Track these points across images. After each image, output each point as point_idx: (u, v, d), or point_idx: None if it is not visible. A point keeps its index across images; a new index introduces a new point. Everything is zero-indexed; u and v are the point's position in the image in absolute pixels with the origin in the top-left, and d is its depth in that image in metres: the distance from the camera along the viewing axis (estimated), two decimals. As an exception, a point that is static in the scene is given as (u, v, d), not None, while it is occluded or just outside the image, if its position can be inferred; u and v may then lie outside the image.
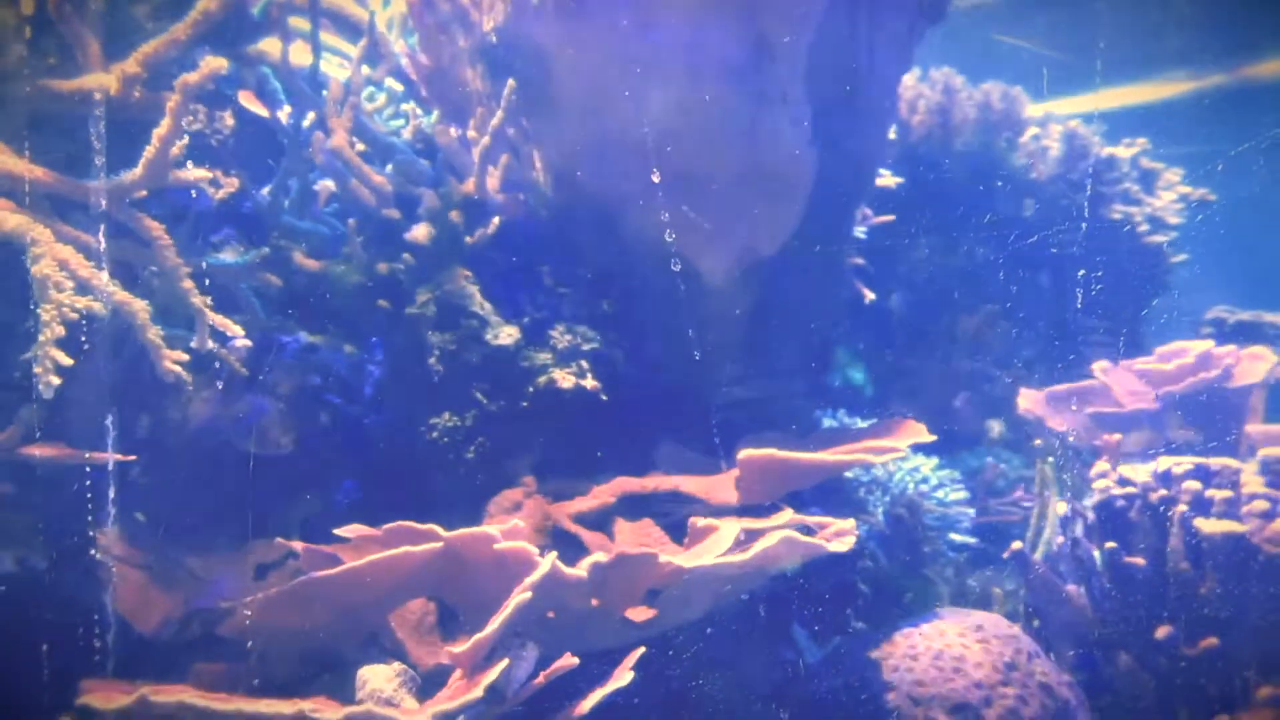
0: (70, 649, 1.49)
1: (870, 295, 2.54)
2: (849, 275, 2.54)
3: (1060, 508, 1.65)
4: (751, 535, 1.35)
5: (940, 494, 2.47)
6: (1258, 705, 1.33)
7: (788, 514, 1.38)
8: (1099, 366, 2.77)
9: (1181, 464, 1.46)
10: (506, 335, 1.75)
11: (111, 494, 1.63)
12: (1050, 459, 1.88)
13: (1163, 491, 1.44)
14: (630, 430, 1.89)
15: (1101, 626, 1.51)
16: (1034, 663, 1.51)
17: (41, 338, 1.19)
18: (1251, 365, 2.61)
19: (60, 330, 1.18)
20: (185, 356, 1.39)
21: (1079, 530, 1.50)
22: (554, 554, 1.18)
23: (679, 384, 2.00)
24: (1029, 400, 2.86)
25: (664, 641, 1.66)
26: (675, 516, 1.71)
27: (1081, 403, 2.70)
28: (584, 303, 1.89)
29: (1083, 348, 3.24)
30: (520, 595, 1.12)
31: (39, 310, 1.21)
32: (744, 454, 1.51)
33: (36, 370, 1.17)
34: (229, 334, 1.53)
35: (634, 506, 1.73)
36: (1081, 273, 3.47)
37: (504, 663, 1.09)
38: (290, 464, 1.81)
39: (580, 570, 1.21)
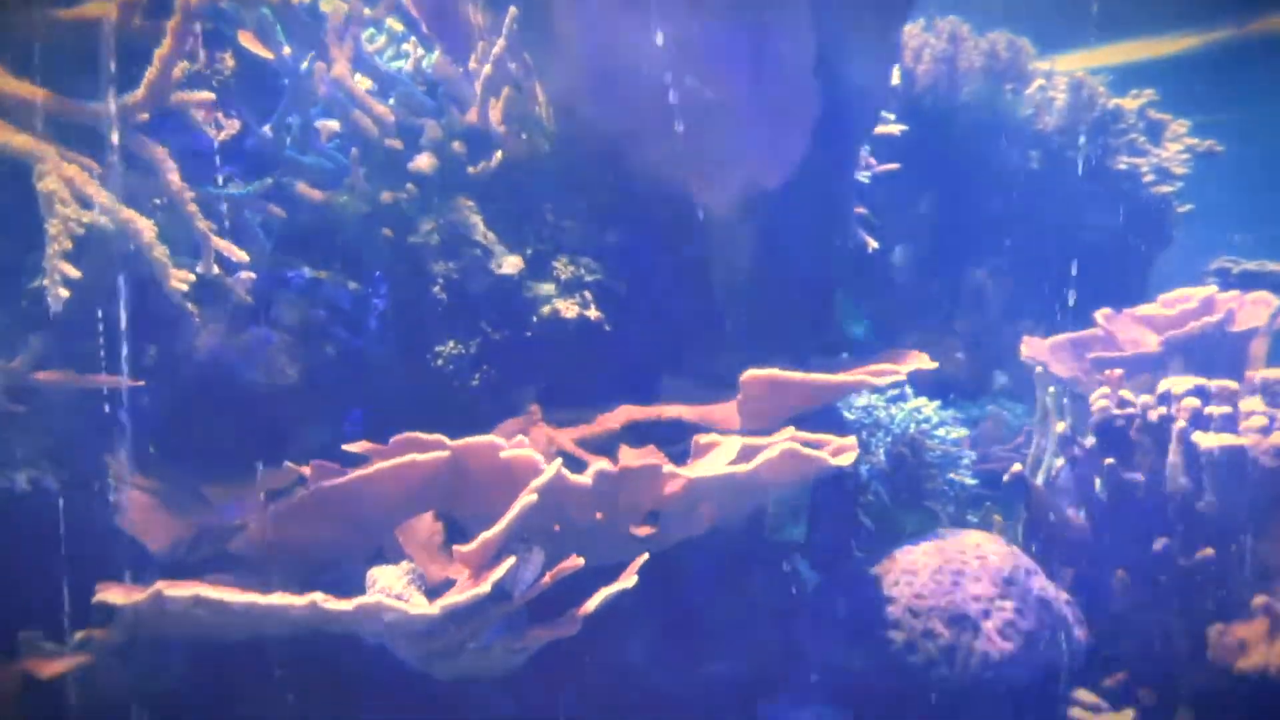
0: (83, 569, 1.51)
1: (874, 244, 2.54)
2: (852, 220, 2.53)
3: (1060, 427, 1.67)
4: (754, 451, 1.37)
5: (941, 432, 2.48)
6: (1252, 614, 1.35)
7: (790, 431, 1.39)
8: (1102, 314, 2.77)
9: (1181, 384, 1.46)
10: (510, 265, 1.76)
11: (121, 419, 1.65)
12: (1052, 388, 1.89)
13: (1162, 410, 1.45)
14: (634, 363, 1.90)
15: (1099, 545, 1.52)
16: (1032, 579, 1.53)
17: (49, 251, 1.20)
18: (1254, 310, 2.61)
19: (67, 244, 1.19)
20: (191, 276, 1.39)
21: (1078, 450, 1.51)
22: (560, 460, 1.20)
23: (683, 318, 2.00)
24: (1032, 348, 2.86)
25: (667, 559, 1.69)
26: (680, 446, 1.73)
27: (1084, 350, 2.70)
28: (587, 236, 1.89)
29: (1088, 297, 3.24)
30: (526, 498, 1.13)
31: (46, 225, 1.22)
32: (747, 374, 1.52)
33: (45, 283, 1.18)
34: (233, 259, 1.54)
35: (638, 434, 1.75)
36: (1087, 224, 3.46)
37: (510, 560, 1.11)
38: (297, 395, 1.82)
39: (585, 478, 1.22)
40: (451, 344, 1.74)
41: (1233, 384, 1.52)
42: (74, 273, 1.21)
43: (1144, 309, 2.75)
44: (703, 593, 1.73)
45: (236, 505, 1.67)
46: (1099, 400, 1.51)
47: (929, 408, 2.52)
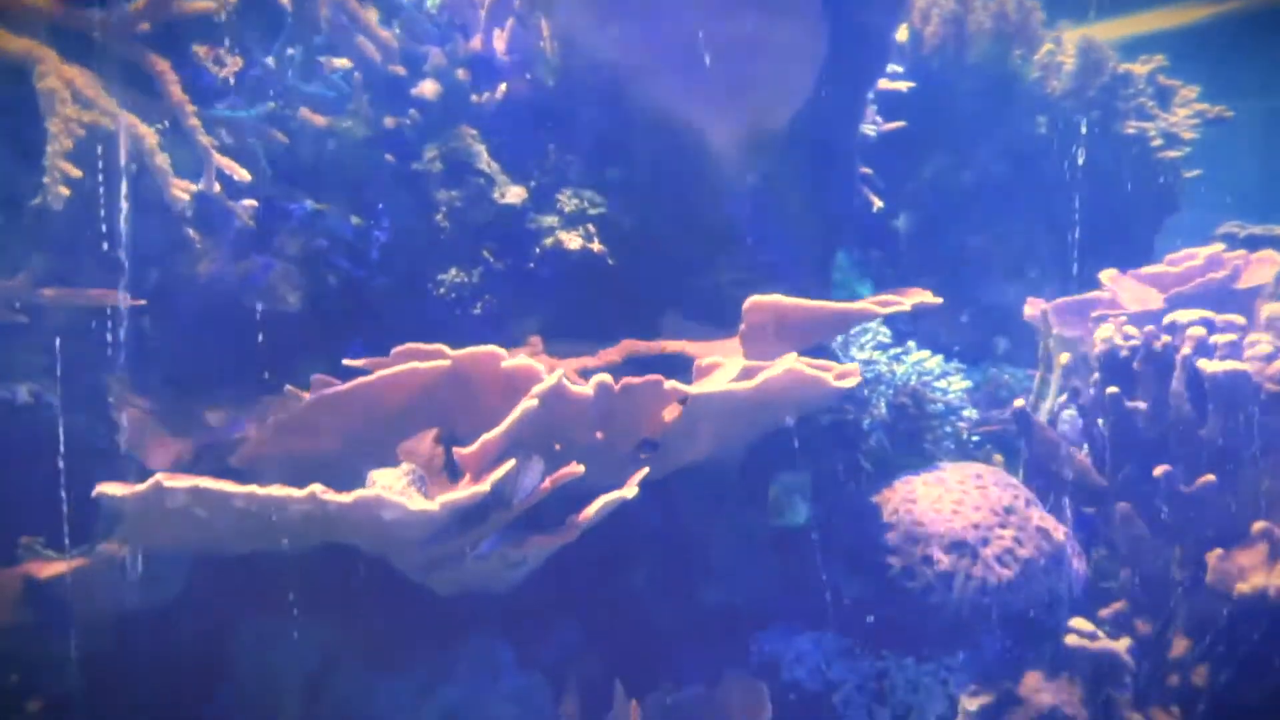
0: (82, 485, 1.51)
1: (879, 203, 2.52)
2: (857, 176, 2.51)
3: (1063, 358, 1.66)
4: (756, 371, 1.36)
5: (943, 384, 2.47)
6: (1251, 540, 1.35)
7: (792, 357, 1.38)
8: (1107, 274, 2.76)
9: (1187, 315, 1.46)
10: (514, 195, 1.75)
11: (123, 341, 1.64)
12: (1055, 333, 1.88)
13: (1166, 339, 1.44)
14: (636, 299, 1.89)
15: (1100, 478, 1.52)
16: (1031, 509, 1.53)
17: (50, 150, 1.19)
18: (1260, 268, 2.59)
19: (68, 143, 1.18)
20: (193, 187, 1.38)
21: (1079, 383, 1.51)
22: (561, 370, 1.19)
23: (686, 258, 1.99)
24: (1036, 308, 2.85)
25: (667, 491, 1.69)
26: (682, 379, 1.72)
27: (1089, 310, 2.69)
28: (590, 170, 1.88)
29: (1093, 264, 3.22)
30: (527, 402, 1.13)
31: (46, 124, 1.21)
32: (750, 301, 1.52)
33: (45, 181, 1.17)
34: (235, 177, 1.53)
35: (640, 367, 1.74)
36: (1093, 190, 3.43)
37: (510, 463, 1.11)
38: (299, 323, 1.81)
39: (587, 388, 1.22)
40: (454, 272, 1.73)
41: (1240, 318, 1.52)
42: (75, 171, 1.20)
43: (1149, 269, 2.74)
44: (700, 525, 1.74)
45: (236, 428, 1.67)
46: (1103, 333, 1.50)
47: (932, 361, 2.51)
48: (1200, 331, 1.43)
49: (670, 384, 1.27)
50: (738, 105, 1.87)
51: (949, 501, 1.50)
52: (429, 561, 1.23)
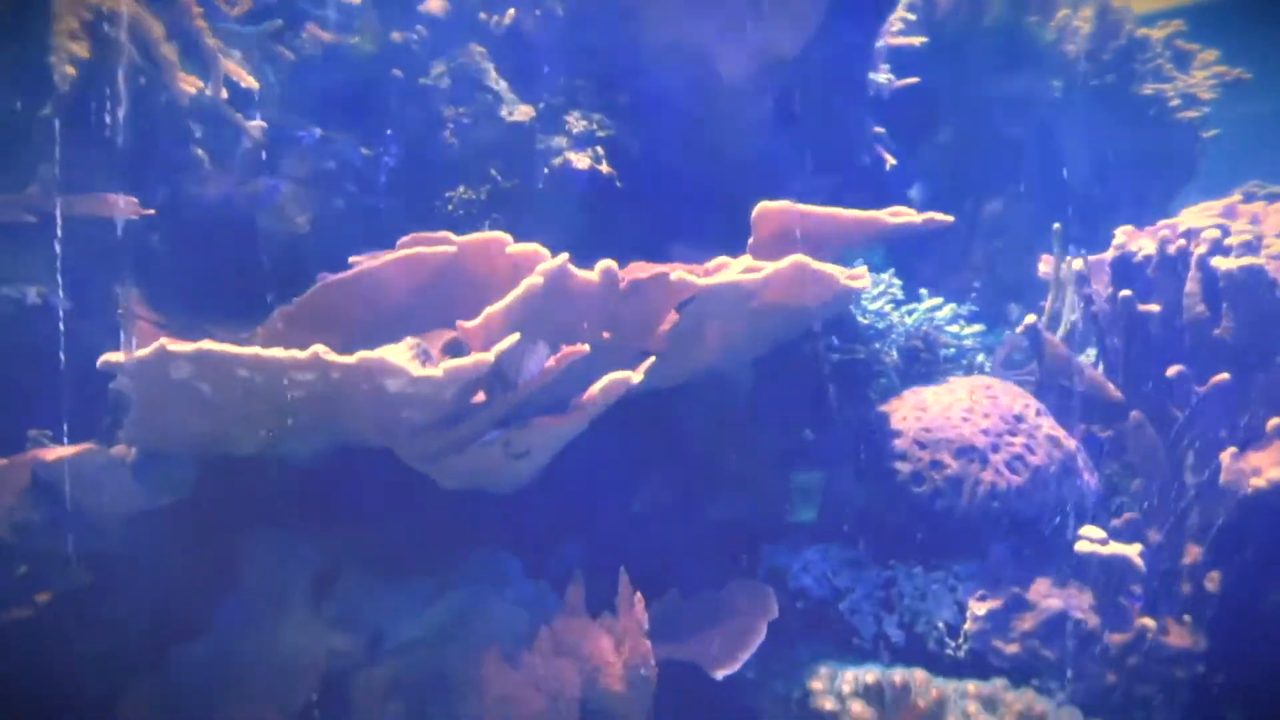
0: (88, 390, 1.52)
1: (891, 160, 2.50)
2: (869, 126, 2.49)
3: (1077, 264, 1.64)
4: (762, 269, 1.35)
5: (955, 329, 2.45)
6: (1267, 438, 1.33)
7: (799, 255, 1.37)
8: (1123, 230, 2.73)
9: (1202, 220, 1.44)
10: (521, 113, 1.74)
11: (132, 253, 1.65)
12: (1070, 259, 1.86)
13: (1181, 243, 1.42)
14: (644, 223, 1.88)
15: (1113, 391, 1.50)
16: (1042, 419, 1.51)
17: (57, 29, 1.19)
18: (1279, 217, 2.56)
19: (74, 23, 1.18)
20: (200, 83, 1.39)
21: (1090, 289, 1.49)
22: (566, 254, 1.19)
23: (695, 186, 1.98)
24: (1049, 265, 2.82)
25: (673, 405, 1.68)
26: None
27: (1103, 268, 2.65)
28: (599, 94, 1.87)
29: (1109, 228, 3.18)
30: (532, 279, 1.12)
31: (53, 3, 1.21)
32: (760, 207, 1.50)
33: (52, 60, 1.17)
34: (241, 84, 1.53)
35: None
36: (1110, 153, 3.40)
37: (515, 336, 1.10)
38: (307, 245, 1.82)
39: (593, 274, 1.21)
40: (462, 189, 1.73)
41: (1256, 228, 1.49)
42: (83, 51, 1.20)
43: (1165, 223, 2.71)
44: (706, 445, 1.73)
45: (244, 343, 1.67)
46: (1116, 239, 1.48)
47: (945, 309, 2.49)
48: (1215, 234, 1.41)
49: (677, 274, 1.26)
50: (748, 32, 1.86)
51: (959, 409, 1.49)
52: (433, 449, 1.23)
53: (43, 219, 1.58)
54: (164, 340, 1.05)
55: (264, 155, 1.77)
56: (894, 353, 2.39)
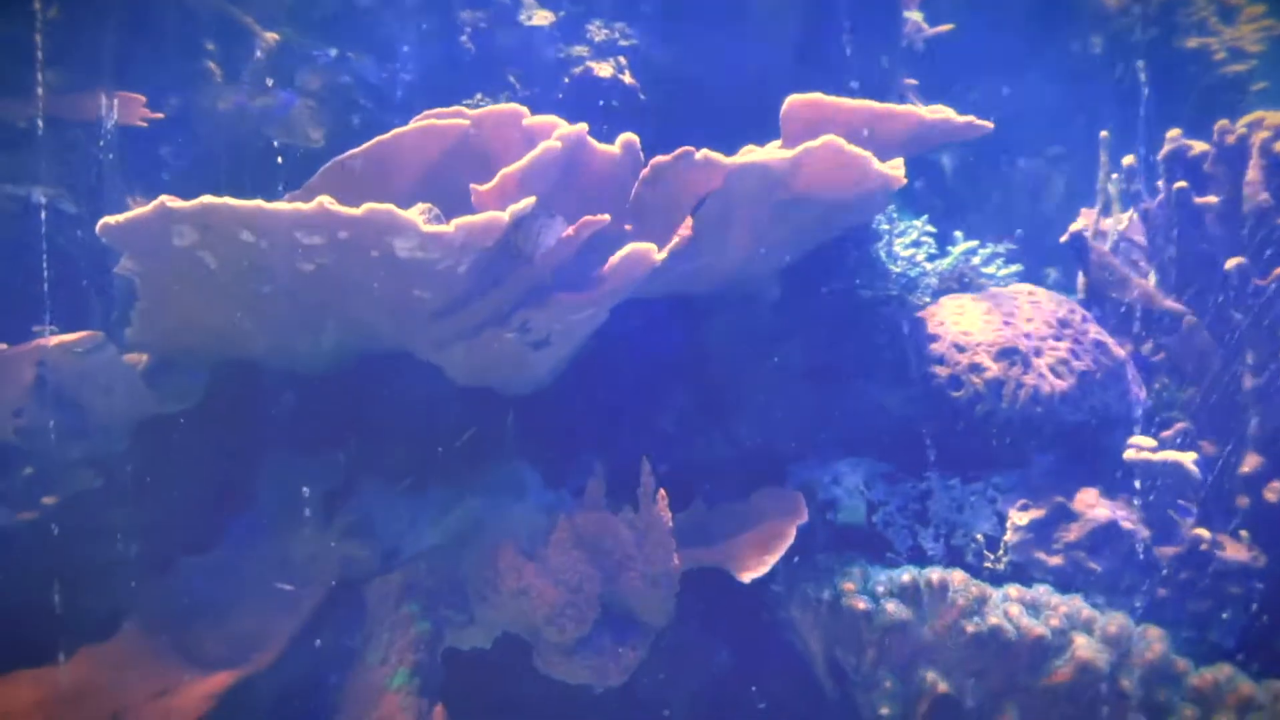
0: (98, 291, 1.49)
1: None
2: (900, 87, 2.41)
3: (1128, 160, 1.56)
4: (794, 155, 1.27)
5: (990, 269, 2.36)
6: (1333, 332, 1.24)
7: (832, 135, 1.29)
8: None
9: (1268, 115, 1.35)
10: (541, 17, 1.68)
11: (141, 160, 1.61)
12: (1116, 175, 1.77)
13: (1241, 131, 1.34)
14: (668, 139, 1.81)
15: (1165, 299, 1.42)
16: (1089, 324, 1.43)
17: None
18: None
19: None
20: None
21: (1140, 186, 1.40)
22: (585, 125, 1.12)
23: (723, 102, 1.91)
24: (1089, 218, 2.72)
25: (698, 319, 1.62)
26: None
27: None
28: (624, 3, 1.81)
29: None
30: (550, 142, 1.06)
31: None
32: (790, 101, 1.43)
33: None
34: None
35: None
36: (1150, 109, 3.28)
37: (531, 199, 1.04)
38: (322, 159, 1.76)
39: (614, 148, 1.15)
40: (479, 96, 1.67)
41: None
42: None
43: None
44: (733, 361, 1.66)
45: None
46: (1169, 136, 1.40)
47: (982, 251, 2.40)
48: (1277, 121, 1.32)
49: (703, 153, 1.19)
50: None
51: (999, 314, 1.41)
52: (448, 334, 1.17)
53: (50, 122, 1.54)
54: (164, 197, 1.00)
55: (277, 70, 1.73)
56: (927, 298, 2.31)
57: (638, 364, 1.63)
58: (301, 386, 1.52)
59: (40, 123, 1.49)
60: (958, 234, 2.45)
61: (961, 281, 2.26)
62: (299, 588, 1.38)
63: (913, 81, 2.48)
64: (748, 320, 1.65)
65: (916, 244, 2.26)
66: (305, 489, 1.50)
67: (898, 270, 2.30)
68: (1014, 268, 2.38)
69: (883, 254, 2.01)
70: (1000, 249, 2.42)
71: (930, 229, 2.32)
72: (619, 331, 1.43)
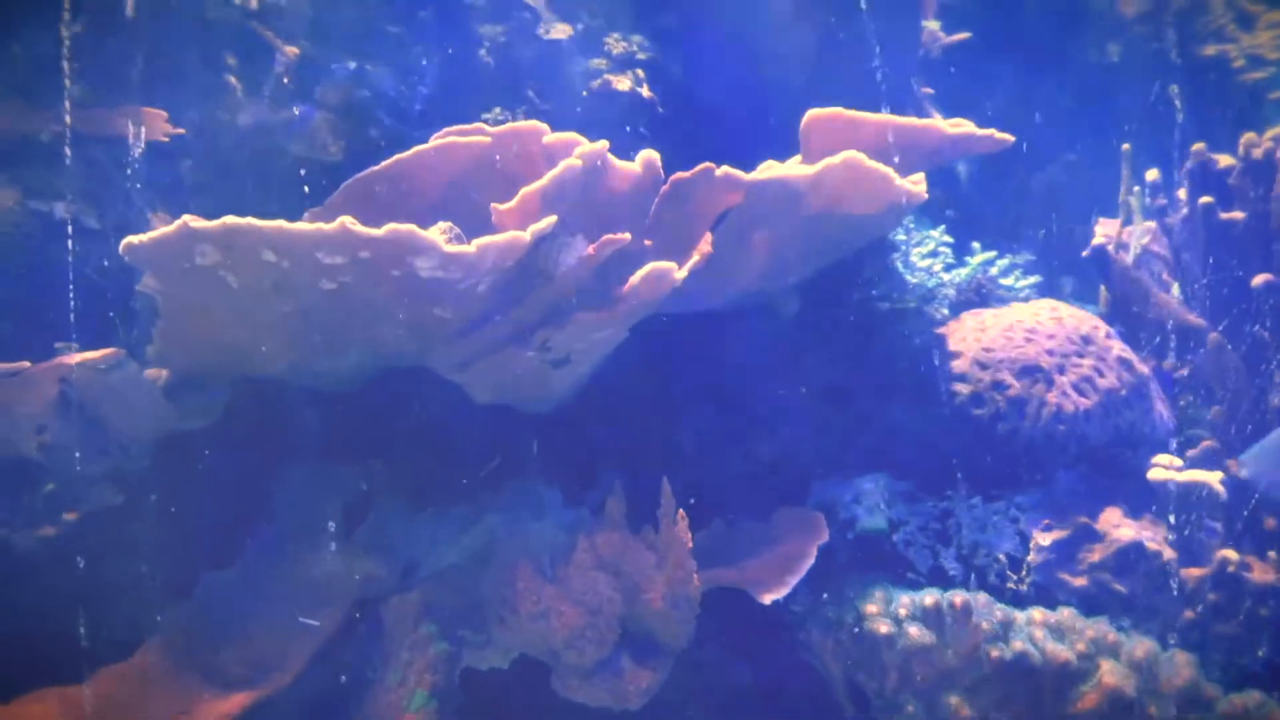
0: (119, 305, 1.50)
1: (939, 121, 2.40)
2: (918, 96, 2.40)
3: (1152, 175, 1.54)
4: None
5: (1009, 280, 2.34)
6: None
7: (853, 151, 1.28)
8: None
9: (1289, 127, 1.33)
10: (559, 31, 1.68)
11: (162, 176, 1.62)
12: (1139, 189, 1.76)
13: (1268, 145, 1.32)
14: (686, 152, 1.80)
15: (1190, 314, 1.40)
16: (1112, 341, 1.42)
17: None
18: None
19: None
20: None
21: (1165, 199, 1.39)
22: (606, 142, 1.12)
23: (739, 113, 1.91)
24: (1107, 228, 2.69)
25: (717, 333, 1.61)
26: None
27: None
28: (640, 16, 1.81)
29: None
30: (570, 160, 1.06)
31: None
32: (809, 115, 1.42)
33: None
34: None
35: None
36: (1168, 119, 3.25)
37: (551, 218, 1.03)
38: (341, 175, 1.77)
39: (634, 165, 1.14)
40: (497, 110, 1.67)
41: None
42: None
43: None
44: (752, 376, 1.65)
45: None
46: (1194, 150, 1.38)
47: (1001, 262, 2.38)
48: (1306, 135, 1.30)
49: (723, 170, 1.19)
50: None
51: (1021, 330, 1.40)
52: (468, 353, 1.17)
53: (73, 137, 1.55)
54: (186, 217, 1.00)
55: (297, 84, 1.74)
56: (945, 310, 2.29)
57: (656, 379, 1.62)
58: (322, 403, 1.52)
59: (64, 138, 1.50)
60: (975, 245, 2.43)
61: (980, 293, 2.24)
62: (318, 607, 1.38)
63: (930, 90, 2.46)
64: (766, 334, 1.64)
65: (934, 254, 2.24)
66: (325, 506, 1.50)
67: (915, 281, 2.28)
68: (1032, 279, 2.36)
69: (900, 264, 2.00)
70: (1019, 260, 2.40)
71: (948, 239, 2.31)
72: (637, 346, 1.43)
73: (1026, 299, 2.26)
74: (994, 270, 2.35)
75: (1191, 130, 3.34)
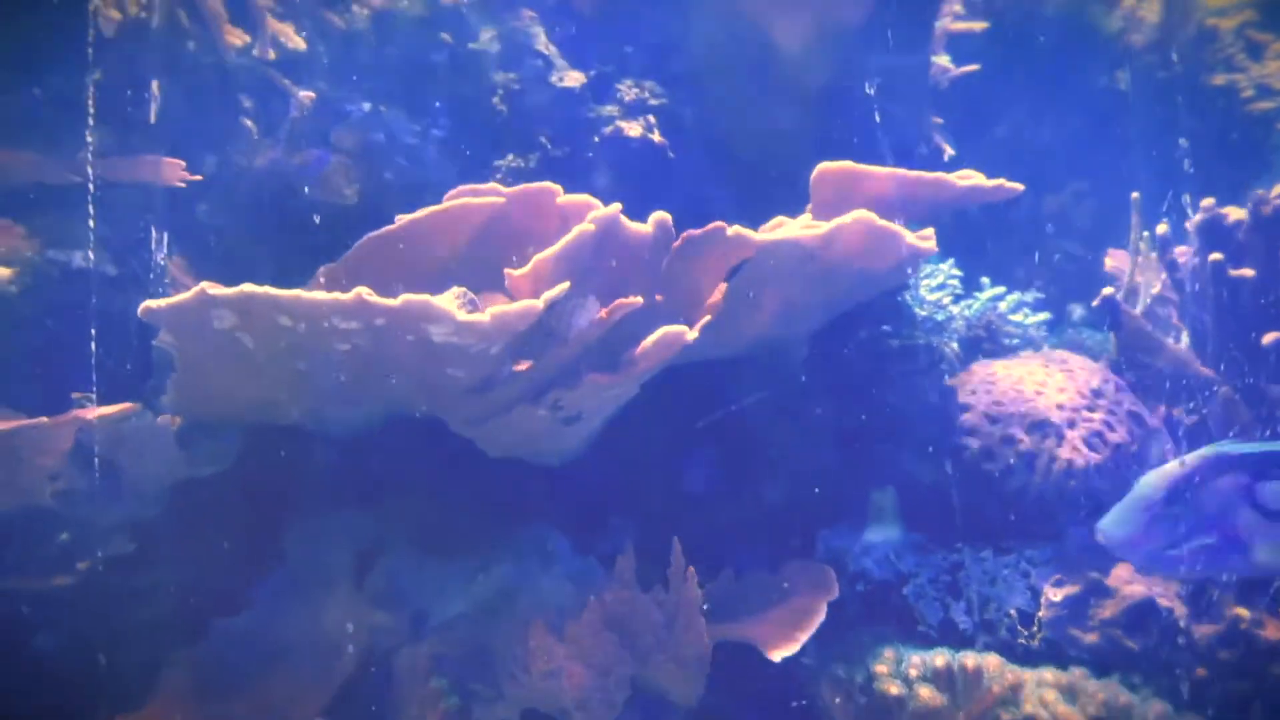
0: (136, 353, 1.51)
1: (950, 150, 2.40)
2: (928, 125, 2.40)
3: (1161, 228, 1.54)
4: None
5: (1019, 317, 2.34)
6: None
7: (864, 210, 1.30)
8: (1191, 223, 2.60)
9: (1298, 182, 1.33)
10: (573, 79, 1.70)
11: (180, 220, 1.64)
12: (1147, 233, 1.76)
13: (1277, 201, 1.32)
14: (698, 197, 1.82)
15: (1200, 366, 1.40)
16: (1123, 394, 1.42)
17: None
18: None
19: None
20: (246, 37, 1.36)
21: (1176, 254, 1.39)
22: (619, 205, 1.13)
23: (750, 158, 1.92)
24: (1117, 260, 2.69)
25: (727, 380, 1.62)
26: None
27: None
28: (652, 63, 1.82)
29: (1176, 225, 3.05)
30: (584, 225, 1.07)
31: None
32: (819, 169, 1.43)
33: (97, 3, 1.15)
34: (288, 45, 1.51)
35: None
36: (1176, 148, 3.26)
37: (564, 285, 1.04)
38: (355, 218, 1.79)
39: (646, 226, 1.15)
40: (511, 157, 1.69)
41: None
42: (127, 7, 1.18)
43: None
44: (762, 423, 1.66)
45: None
46: (1203, 205, 1.39)
47: (1010, 298, 2.38)
48: (1316, 192, 1.30)
49: (734, 229, 1.20)
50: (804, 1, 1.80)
51: (1032, 383, 1.40)
52: (481, 411, 1.18)
53: (92, 184, 1.57)
54: (204, 284, 1.02)
55: (312, 127, 1.75)
56: (954, 344, 2.29)
57: (665, 426, 1.63)
58: (333, 450, 1.53)
59: (84, 185, 1.52)
60: (984, 280, 2.43)
61: (989, 330, 2.24)
62: (329, 657, 1.39)
63: (939, 120, 2.47)
64: (775, 379, 1.65)
65: (942, 287, 2.25)
66: (336, 553, 1.51)
67: (924, 314, 2.28)
68: (1041, 315, 2.36)
69: (909, 298, 2.00)
70: (1026, 297, 2.40)
71: (956, 272, 2.31)
72: (647, 395, 1.43)
73: (1034, 338, 2.27)
74: (1003, 306, 2.35)
75: (1200, 173, 3.34)
